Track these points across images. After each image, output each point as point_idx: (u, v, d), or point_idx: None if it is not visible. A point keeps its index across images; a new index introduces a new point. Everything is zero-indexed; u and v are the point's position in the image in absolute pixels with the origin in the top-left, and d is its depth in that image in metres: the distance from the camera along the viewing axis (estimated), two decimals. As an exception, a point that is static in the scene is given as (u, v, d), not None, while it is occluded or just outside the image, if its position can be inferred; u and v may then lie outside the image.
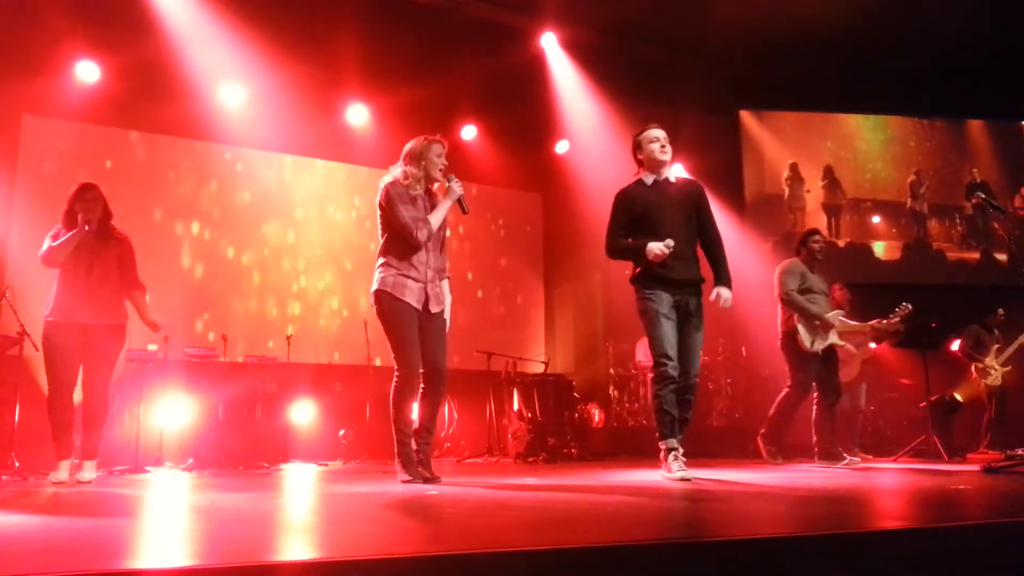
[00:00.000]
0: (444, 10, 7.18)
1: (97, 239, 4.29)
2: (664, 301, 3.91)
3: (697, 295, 4.01)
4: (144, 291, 4.50)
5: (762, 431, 5.59)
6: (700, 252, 4.14)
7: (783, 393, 5.52)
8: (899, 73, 7.72)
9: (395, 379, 3.80)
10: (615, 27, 7.63)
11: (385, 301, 3.76)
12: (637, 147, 4.19)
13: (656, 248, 3.83)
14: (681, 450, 3.88)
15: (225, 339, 6.48)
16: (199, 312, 7.58)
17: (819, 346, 5.34)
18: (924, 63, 7.50)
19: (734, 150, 8.35)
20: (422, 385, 3.85)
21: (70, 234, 4.14)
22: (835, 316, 5.46)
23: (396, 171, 3.91)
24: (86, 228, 4.13)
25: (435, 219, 3.83)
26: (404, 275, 3.77)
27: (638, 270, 4.02)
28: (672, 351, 3.85)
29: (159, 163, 7.70)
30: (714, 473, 4.24)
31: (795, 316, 5.40)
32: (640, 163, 4.19)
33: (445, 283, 3.98)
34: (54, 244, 4.16)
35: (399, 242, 3.82)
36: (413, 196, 3.84)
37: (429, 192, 3.95)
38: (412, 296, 3.77)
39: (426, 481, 3.69)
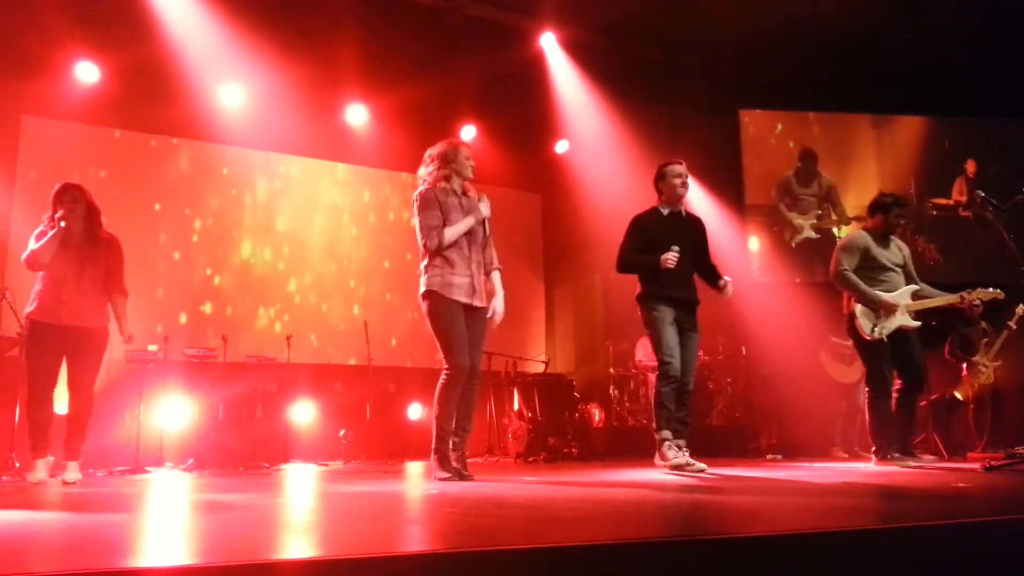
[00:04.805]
0: (443, 10, 7.17)
1: (85, 240, 4.23)
2: (668, 313, 4.37)
3: (693, 314, 4.48)
4: (126, 297, 4.44)
5: (874, 449, 4.89)
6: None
7: (866, 396, 4.94)
8: (900, 72, 7.70)
9: (444, 376, 3.85)
10: (614, 27, 7.62)
11: (434, 301, 3.86)
12: (660, 178, 4.56)
13: (668, 256, 4.24)
14: (687, 451, 4.29)
15: (225, 339, 6.47)
16: (199, 312, 7.58)
17: (882, 331, 4.74)
18: (925, 62, 7.48)
19: (733, 149, 8.34)
20: None
21: (49, 235, 4.10)
22: (904, 293, 4.80)
23: (425, 174, 4.01)
24: (61, 224, 4.08)
25: (450, 232, 3.88)
26: (451, 273, 3.87)
27: (644, 289, 4.46)
28: (676, 352, 4.30)
29: (159, 163, 7.70)
30: (714, 471, 4.25)
31: (853, 299, 4.88)
32: (660, 192, 4.57)
33: (496, 275, 4.12)
34: (36, 247, 4.10)
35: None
36: (445, 199, 3.92)
37: (465, 191, 4.05)
38: (460, 293, 3.88)
39: (462, 478, 3.74)
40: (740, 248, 7.98)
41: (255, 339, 7.58)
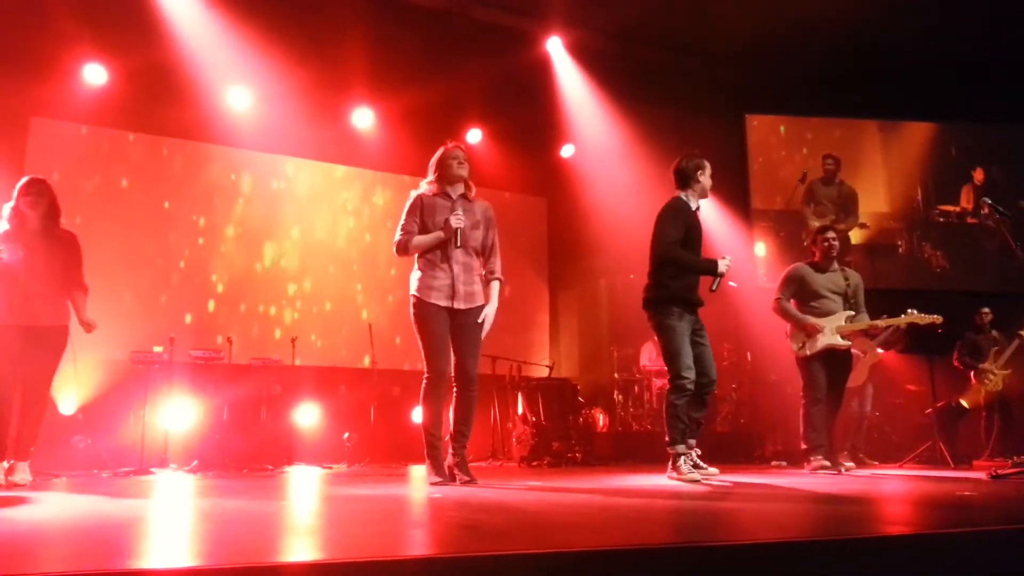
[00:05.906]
0: (449, 14, 7.18)
1: (41, 238, 4.16)
2: (686, 321, 4.26)
3: (697, 312, 4.43)
4: (86, 293, 4.35)
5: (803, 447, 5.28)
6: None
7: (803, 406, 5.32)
8: (907, 78, 7.68)
9: (424, 380, 3.87)
10: (620, 31, 7.63)
11: (415, 304, 3.91)
12: (699, 169, 4.43)
13: (726, 264, 4.23)
14: (698, 451, 4.27)
15: (230, 341, 6.49)
16: (205, 314, 7.59)
17: (810, 349, 5.15)
18: (932, 67, 7.46)
19: (740, 154, 8.34)
20: (454, 388, 3.91)
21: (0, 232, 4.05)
22: (836, 318, 5.17)
23: (424, 183, 4.07)
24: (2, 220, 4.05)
25: (418, 240, 3.93)
26: (431, 275, 3.89)
27: (661, 292, 4.29)
28: (692, 366, 4.19)
29: (166, 166, 7.72)
30: (719, 477, 4.24)
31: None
32: (690, 182, 4.42)
33: (494, 285, 4.07)
34: None
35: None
36: (432, 202, 3.95)
37: (464, 195, 4.04)
38: (440, 296, 3.86)
39: (464, 483, 3.73)
40: (746, 253, 7.96)
41: (260, 341, 7.59)
